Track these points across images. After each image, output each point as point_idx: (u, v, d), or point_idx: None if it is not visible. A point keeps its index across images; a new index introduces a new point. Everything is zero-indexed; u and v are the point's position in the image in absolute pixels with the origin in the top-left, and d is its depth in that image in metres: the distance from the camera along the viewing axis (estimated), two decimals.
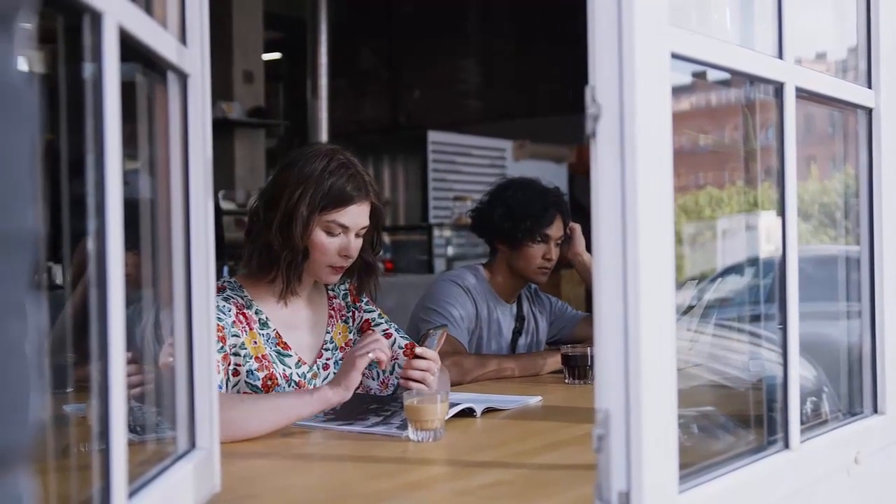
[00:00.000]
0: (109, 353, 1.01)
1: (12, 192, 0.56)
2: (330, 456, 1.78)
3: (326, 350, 2.33)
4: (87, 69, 1.02)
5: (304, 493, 1.58)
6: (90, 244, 1.00)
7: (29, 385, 0.58)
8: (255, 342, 2.18)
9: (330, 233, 2.19)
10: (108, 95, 1.01)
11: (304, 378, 2.25)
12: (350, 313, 2.41)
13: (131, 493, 1.09)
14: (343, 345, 2.36)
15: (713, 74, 1.54)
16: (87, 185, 1.02)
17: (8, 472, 0.56)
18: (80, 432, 1.38)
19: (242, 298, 2.22)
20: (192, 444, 1.38)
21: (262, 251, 2.20)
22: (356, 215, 2.21)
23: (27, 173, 0.58)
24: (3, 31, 0.56)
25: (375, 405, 2.12)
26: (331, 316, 2.37)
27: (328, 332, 2.34)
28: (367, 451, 1.80)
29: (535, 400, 2.35)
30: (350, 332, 2.38)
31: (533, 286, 3.20)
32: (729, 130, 2.02)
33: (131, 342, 1.09)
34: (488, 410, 2.18)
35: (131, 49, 1.11)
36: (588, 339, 2.97)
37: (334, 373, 2.29)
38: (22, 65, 0.58)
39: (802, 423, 1.55)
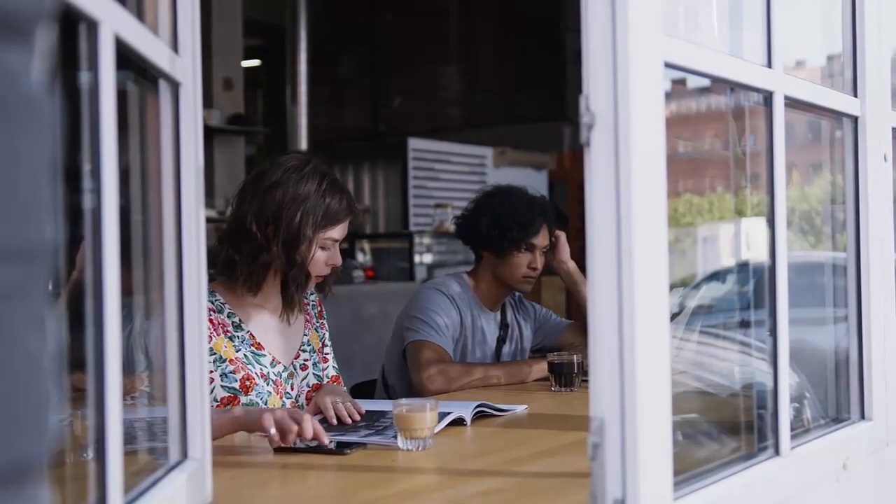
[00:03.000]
0: (105, 364, 1.00)
1: (33, 203, 0.56)
2: (321, 466, 1.78)
3: (304, 351, 2.40)
4: (83, 77, 1.01)
5: (295, 503, 1.58)
6: (87, 253, 1.00)
7: (48, 397, 0.58)
8: (226, 346, 2.23)
9: (323, 248, 2.29)
10: (104, 103, 1.00)
11: (281, 377, 2.31)
12: (319, 323, 2.50)
13: None
14: (317, 350, 2.44)
15: (692, 81, 1.55)
16: (81, 194, 1.02)
17: (29, 484, 0.56)
18: (67, 442, 1.37)
19: (213, 303, 2.25)
20: (185, 455, 1.37)
21: (262, 269, 2.25)
22: (345, 228, 2.33)
23: (47, 185, 0.57)
24: (22, 43, 0.55)
25: (365, 422, 2.12)
26: (307, 320, 2.44)
27: (305, 335, 2.42)
28: (357, 461, 1.79)
29: (521, 408, 2.35)
30: (319, 341, 2.47)
31: (517, 294, 3.20)
32: (709, 137, 2.03)
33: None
34: (479, 416, 2.18)
35: (124, 57, 1.10)
36: (573, 347, 2.98)
37: (313, 373, 2.39)
38: (41, 75, 0.58)
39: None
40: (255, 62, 10.01)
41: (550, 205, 3.17)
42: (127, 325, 1.43)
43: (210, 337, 2.19)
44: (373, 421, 2.13)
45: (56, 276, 1.32)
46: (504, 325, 3.15)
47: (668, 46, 1.24)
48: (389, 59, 10.24)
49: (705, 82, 1.57)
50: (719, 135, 1.95)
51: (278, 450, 1.87)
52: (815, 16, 2.17)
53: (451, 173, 8.35)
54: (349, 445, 1.87)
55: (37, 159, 0.56)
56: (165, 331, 1.37)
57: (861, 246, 1.84)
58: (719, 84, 1.59)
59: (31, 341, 0.56)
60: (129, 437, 1.40)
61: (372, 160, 8.64)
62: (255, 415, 1.88)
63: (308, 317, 2.45)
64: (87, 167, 1.01)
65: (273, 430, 1.80)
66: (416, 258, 7.55)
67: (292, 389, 2.33)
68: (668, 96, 1.51)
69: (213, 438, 1.91)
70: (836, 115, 1.85)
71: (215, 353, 2.19)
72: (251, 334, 2.28)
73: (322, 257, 2.28)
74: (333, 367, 2.50)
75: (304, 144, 8.68)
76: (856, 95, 1.84)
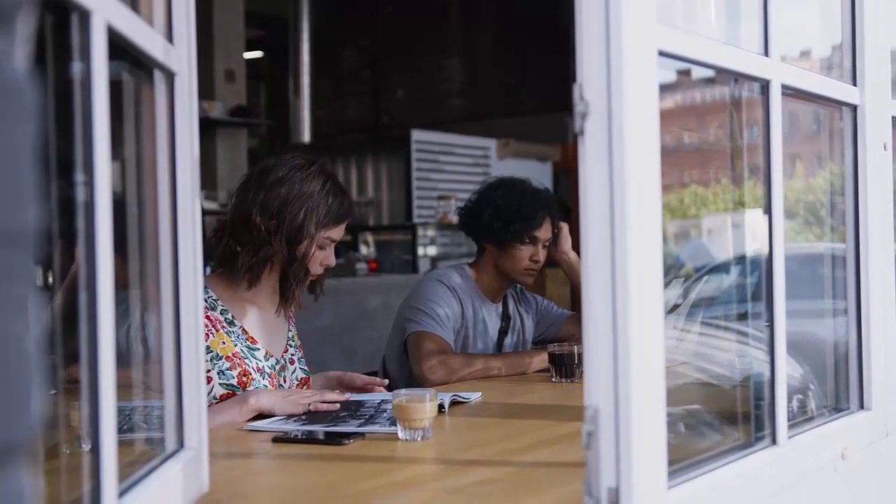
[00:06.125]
0: (99, 354, 1.01)
1: (15, 188, 0.56)
2: (319, 455, 1.78)
3: (291, 346, 2.45)
4: (75, 67, 1.01)
5: (293, 492, 1.58)
6: (80, 245, 1.00)
7: (31, 381, 0.58)
8: (224, 342, 2.26)
9: (321, 247, 2.32)
10: (96, 94, 1.00)
11: (274, 370, 2.34)
12: (294, 322, 2.54)
13: (121, 493, 1.09)
14: (298, 345, 2.50)
15: (697, 72, 1.54)
16: (73, 186, 1.02)
17: (12, 467, 0.56)
18: (64, 433, 1.37)
19: (206, 300, 2.27)
20: (181, 444, 1.37)
21: (263, 262, 2.28)
22: (342, 230, 2.37)
23: (29, 170, 0.58)
24: (2, 30, 0.56)
25: (345, 413, 2.12)
26: (291, 318, 2.49)
27: (290, 331, 2.47)
28: (355, 451, 1.80)
29: (475, 396, 2.38)
30: (298, 338, 2.52)
31: (519, 285, 3.20)
32: (713, 128, 2.03)
33: (116, 343, 1.09)
34: (454, 403, 2.24)
35: (118, 47, 1.10)
36: (574, 338, 2.98)
37: (300, 368, 2.45)
38: (22, 62, 0.58)
39: (789, 419, 1.56)
40: (258, 54, 10.00)
41: (554, 197, 3.16)
42: (126, 320, 1.43)
43: (208, 335, 2.21)
44: (354, 411, 2.13)
45: (54, 270, 1.32)
46: (506, 317, 3.15)
47: (662, 35, 1.24)
48: (391, 51, 10.24)
49: (710, 73, 1.57)
50: (724, 126, 1.94)
51: (276, 440, 1.88)
52: (819, 6, 2.16)
53: (454, 165, 8.35)
54: (347, 435, 1.87)
55: (18, 145, 0.57)
56: (162, 321, 1.37)
57: (861, 236, 1.83)
58: (723, 74, 1.59)
59: (14, 325, 0.56)
60: (129, 427, 1.40)
61: (375, 152, 8.65)
62: (275, 402, 2.10)
63: (292, 314, 2.49)
64: (80, 159, 1.02)
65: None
66: (420, 250, 7.55)
67: (284, 382, 2.36)
68: (673, 87, 1.51)
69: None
70: (836, 105, 1.84)
71: (212, 352, 2.21)
72: (244, 329, 2.31)
73: (318, 256, 2.32)
74: (303, 369, 2.52)
75: (306, 137, 8.69)
76: (855, 84, 1.83)
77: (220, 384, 2.21)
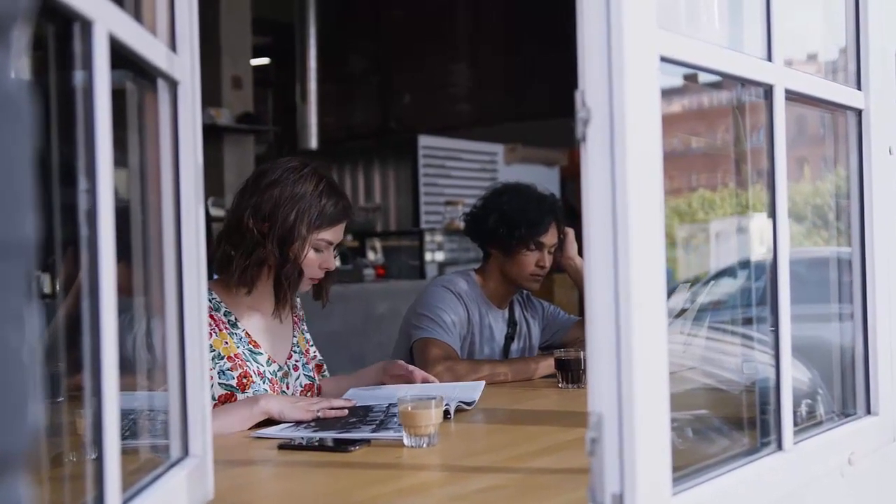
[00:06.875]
0: (102, 362, 1.01)
1: (11, 200, 0.56)
2: (324, 462, 1.78)
3: (295, 352, 2.44)
4: (78, 76, 1.01)
5: (298, 500, 1.58)
6: (82, 253, 1.00)
7: (28, 392, 0.58)
8: (227, 342, 2.27)
9: (317, 249, 2.32)
10: (98, 103, 1.01)
11: (276, 376, 2.34)
12: (304, 325, 2.54)
13: (125, 501, 1.09)
14: (304, 352, 2.48)
15: (704, 76, 1.54)
16: (77, 194, 1.02)
17: (9, 477, 0.56)
18: (70, 441, 1.38)
19: (210, 301, 2.28)
20: (186, 452, 1.37)
21: (256, 265, 2.28)
22: (341, 232, 2.36)
23: (26, 181, 0.58)
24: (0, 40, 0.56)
25: (355, 419, 2.11)
26: (295, 323, 2.48)
27: (294, 337, 2.46)
28: (361, 458, 1.80)
29: (480, 385, 2.42)
30: (306, 343, 2.51)
31: (525, 291, 3.19)
32: (721, 132, 2.02)
33: (122, 351, 1.09)
34: (459, 410, 2.23)
35: (121, 56, 1.11)
36: (581, 343, 2.97)
37: (304, 374, 2.44)
38: (19, 73, 0.58)
39: (797, 424, 1.55)
40: (265, 60, 10.01)
41: (559, 202, 3.16)
42: (132, 329, 1.43)
43: (210, 334, 2.21)
44: (363, 416, 2.12)
45: (60, 278, 1.32)
46: (512, 323, 3.15)
47: (663, 40, 1.23)
48: (398, 56, 10.25)
49: (718, 77, 1.57)
50: (731, 130, 1.94)
51: (282, 447, 1.88)
52: (824, 9, 2.16)
53: (461, 170, 8.35)
54: (353, 442, 1.87)
55: (15, 156, 0.57)
56: (166, 328, 1.38)
57: (866, 240, 1.83)
58: (727, 78, 1.59)
59: (10, 337, 0.56)
60: (133, 432, 1.41)
61: (382, 157, 8.64)
62: (284, 408, 2.09)
63: (297, 319, 2.49)
64: (83, 167, 1.02)
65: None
66: (427, 256, 7.55)
67: (287, 388, 2.36)
68: (680, 91, 1.51)
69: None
70: (840, 109, 1.84)
71: (214, 351, 2.22)
72: (247, 333, 2.32)
73: (315, 259, 2.31)
74: (307, 375, 2.51)
75: (313, 143, 8.70)
76: (860, 88, 1.83)
77: (219, 384, 2.22)
